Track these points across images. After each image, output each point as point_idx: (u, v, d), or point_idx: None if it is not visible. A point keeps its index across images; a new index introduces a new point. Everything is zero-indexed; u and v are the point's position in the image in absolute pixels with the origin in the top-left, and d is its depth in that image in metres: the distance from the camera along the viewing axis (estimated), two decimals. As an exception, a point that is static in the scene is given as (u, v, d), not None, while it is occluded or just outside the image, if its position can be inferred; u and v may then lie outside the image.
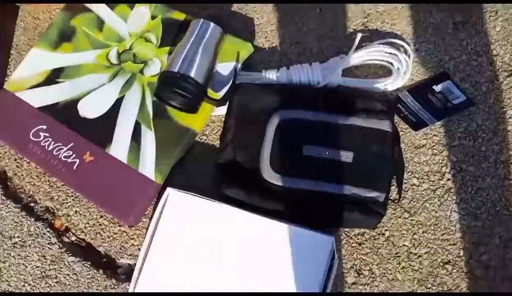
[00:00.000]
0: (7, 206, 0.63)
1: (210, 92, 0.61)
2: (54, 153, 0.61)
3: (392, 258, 0.57)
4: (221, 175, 0.60)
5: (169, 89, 0.57)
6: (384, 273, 0.57)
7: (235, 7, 0.68)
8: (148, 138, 0.61)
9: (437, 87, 0.63)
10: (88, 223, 0.62)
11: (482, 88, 0.64)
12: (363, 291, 0.57)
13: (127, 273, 0.61)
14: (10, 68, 0.70)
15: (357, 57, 0.63)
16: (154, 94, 0.60)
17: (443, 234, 0.58)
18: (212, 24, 0.60)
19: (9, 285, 0.60)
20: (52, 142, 0.61)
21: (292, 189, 0.57)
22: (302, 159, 0.57)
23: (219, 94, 0.62)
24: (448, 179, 0.60)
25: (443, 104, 0.61)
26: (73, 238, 0.62)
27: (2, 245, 0.62)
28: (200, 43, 0.59)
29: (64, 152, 0.61)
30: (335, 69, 0.62)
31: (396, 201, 0.58)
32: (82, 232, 0.62)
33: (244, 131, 0.60)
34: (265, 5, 0.68)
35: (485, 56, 0.65)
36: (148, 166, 0.60)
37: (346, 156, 0.57)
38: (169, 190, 0.58)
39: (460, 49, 0.66)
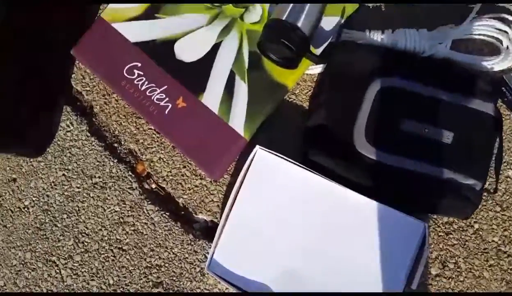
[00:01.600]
0: (91, 143, 0.63)
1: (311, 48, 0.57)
2: (147, 93, 0.59)
3: (480, 254, 0.55)
4: (309, 139, 0.57)
5: (275, 38, 0.53)
6: (470, 269, 0.54)
7: None
8: (241, 90, 0.58)
9: (546, 73, 0.55)
10: (171, 172, 0.61)
11: None
12: (447, 285, 0.54)
13: (202, 230, 0.60)
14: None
15: (467, 30, 0.58)
16: (257, 44, 0.56)
17: (535, 233, 0.54)
18: None
19: (86, 227, 0.61)
20: (146, 82, 0.59)
21: (385, 165, 0.53)
22: (400, 133, 0.54)
23: (318, 51, 0.58)
24: (546, 175, 0.55)
25: (550, 91, 0.55)
26: (153, 186, 0.62)
27: (83, 184, 0.62)
28: None
29: (158, 94, 0.59)
30: (443, 39, 0.57)
31: (492, 192, 0.55)
32: (164, 180, 0.61)
33: (339, 93, 0.57)
34: None
35: None
36: (238, 120, 0.58)
37: (446, 136, 0.53)
38: (257, 148, 0.55)
39: None
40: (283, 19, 0.53)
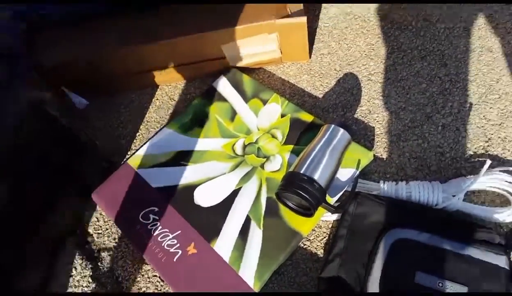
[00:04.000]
0: (91, 290, 0.58)
1: (327, 197, 0.57)
2: (159, 239, 0.58)
3: None
4: (323, 291, 0.54)
5: (293, 190, 0.55)
6: None
7: (358, 114, 0.69)
8: (256, 236, 0.57)
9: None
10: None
11: None
12: None
13: None
14: (135, 143, 0.74)
15: (476, 183, 0.58)
16: (275, 193, 0.57)
17: None
18: (342, 130, 0.60)
19: None
20: (160, 227, 0.59)
21: None
22: (414, 287, 0.52)
23: (333, 200, 0.58)
24: None
25: None
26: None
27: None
28: (328, 148, 0.58)
29: (169, 239, 0.58)
30: (456, 192, 0.58)
31: None
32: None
33: (354, 244, 0.57)
34: (387, 116, 0.68)
35: None
36: (249, 269, 0.54)
37: (460, 291, 0.51)
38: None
39: None
40: (301, 172, 0.55)
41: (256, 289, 0.53)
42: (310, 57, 0.78)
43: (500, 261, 0.53)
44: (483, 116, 0.66)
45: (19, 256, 0.57)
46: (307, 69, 0.77)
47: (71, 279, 0.60)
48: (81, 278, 0.60)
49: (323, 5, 0.86)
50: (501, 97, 0.67)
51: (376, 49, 0.76)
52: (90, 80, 0.75)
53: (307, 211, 0.57)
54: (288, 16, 0.68)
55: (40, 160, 0.58)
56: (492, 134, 0.64)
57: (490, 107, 0.66)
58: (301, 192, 0.54)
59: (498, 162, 0.62)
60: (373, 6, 0.83)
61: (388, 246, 0.54)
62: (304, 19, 0.67)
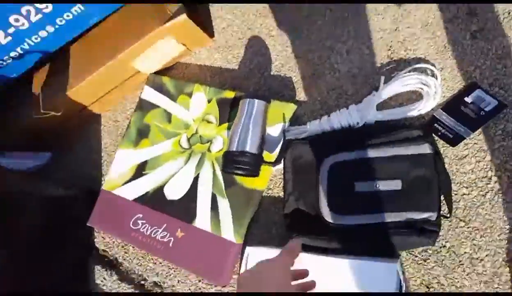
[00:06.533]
0: (122, 289, 0.79)
1: (266, 154, 0.73)
2: (152, 235, 0.77)
3: (457, 267, 0.63)
4: (288, 224, 0.71)
5: (231, 165, 0.70)
6: (452, 283, 0.63)
7: (274, 70, 0.81)
8: (224, 206, 0.75)
9: (469, 98, 0.68)
10: (190, 289, 0.76)
11: (511, 88, 0.67)
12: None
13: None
14: (103, 169, 0.90)
15: (388, 91, 0.70)
16: (221, 170, 0.74)
17: (500, 234, 0.62)
18: (256, 100, 0.72)
19: None
20: (149, 227, 0.78)
21: (353, 226, 0.65)
22: (356, 196, 0.66)
23: (274, 153, 0.74)
24: (496, 182, 0.65)
25: (477, 113, 0.67)
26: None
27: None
28: (250, 120, 0.71)
29: (160, 233, 0.77)
30: (368, 108, 0.70)
31: (448, 216, 0.64)
32: (188, 297, 0.75)
33: (300, 182, 0.72)
34: (298, 62, 0.79)
35: (508, 58, 0.68)
36: (228, 230, 0.73)
37: (395, 185, 0.64)
38: (248, 249, 0.70)
39: (482, 56, 0.70)
40: (233, 150, 0.70)
41: (239, 241, 0.72)
42: (214, 36, 0.88)
43: (424, 149, 0.64)
44: (379, 28, 0.75)
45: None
46: (216, 47, 0.88)
47: (104, 287, 0.81)
48: (112, 283, 0.81)
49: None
50: (389, 6, 0.76)
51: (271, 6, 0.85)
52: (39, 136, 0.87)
53: (253, 173, 0.71)
54: (170, 18, 0.77)
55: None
56: (391, 41, 0.74)
57: (383, 17, 0.75)
58: (236, 166, 0.69)
59: (404, 64, 0.72)
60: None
61: (326, 171, 0.69)
62: (184, 16, 0.77)
